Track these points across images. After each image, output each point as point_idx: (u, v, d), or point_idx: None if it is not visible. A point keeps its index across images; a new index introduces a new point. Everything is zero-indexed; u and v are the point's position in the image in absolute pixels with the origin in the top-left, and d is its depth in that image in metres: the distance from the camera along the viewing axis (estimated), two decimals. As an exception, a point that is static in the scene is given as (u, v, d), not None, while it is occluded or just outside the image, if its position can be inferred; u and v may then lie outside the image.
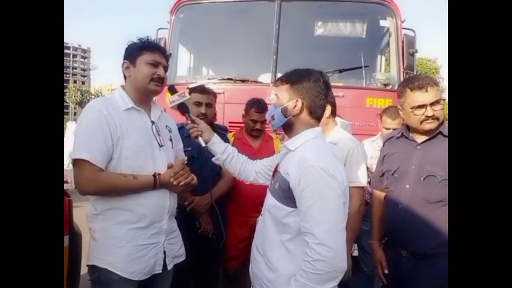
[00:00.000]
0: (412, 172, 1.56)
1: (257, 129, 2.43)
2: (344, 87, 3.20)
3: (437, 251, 1.45)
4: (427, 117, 1.50)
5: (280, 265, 1.24)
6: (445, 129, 1.51)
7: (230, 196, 2.41)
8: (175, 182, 1.51)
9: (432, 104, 1.49)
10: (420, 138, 1.59)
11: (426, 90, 1.49)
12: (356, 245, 2.50)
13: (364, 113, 3.00)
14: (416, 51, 3.26)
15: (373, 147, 2.66)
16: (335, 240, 1.12)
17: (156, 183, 1.47)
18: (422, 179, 1.52)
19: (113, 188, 1.41)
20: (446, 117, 1.61)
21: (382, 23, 3.45)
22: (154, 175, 1.48)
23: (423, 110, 1.50)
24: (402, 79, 3.08)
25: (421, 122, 1.52)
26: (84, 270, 1.60)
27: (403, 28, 3.33)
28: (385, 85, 3.28)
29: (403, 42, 3.25)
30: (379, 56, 4.02)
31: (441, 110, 1.53)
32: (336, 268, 1.11)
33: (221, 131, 2.35)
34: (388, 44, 3.48)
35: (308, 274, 1.11)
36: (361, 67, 3.29)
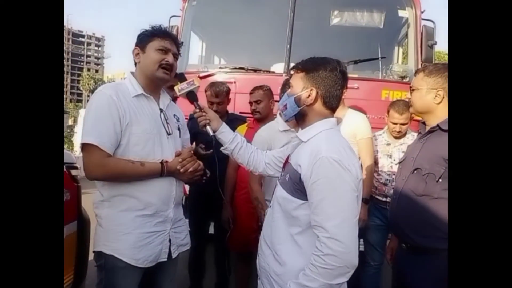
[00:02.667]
0: (410, 164, 1.57)
1: (254, 111, 2.46)
2: (360, 78, 3.13)
3: (430, 245, 1.42)
4: None
5: (288, 258, 1.21)
6: (443, 124, 1.47)
7: (241, 184, 2.38)
8: (182, 170, 1.49)
9: None
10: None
11: None
12: (362, 240, 2.48)
13: (380, 105, 2.91)
14: (435, 43, 3.14)
15: (379, 141, 2.62)
16: (346, 234, 1.08)
17: (163, 171, 1.46)
18: (412, 171, 1.53)
19: (121, 174, 1.40)
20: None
21: (401, 13, 3.34)
22: (161, 163, 1.46)
23: None
24: (419, 71, 2.99)
25: None
26: (92, 255, 1.60)
27: (423, 19, 3.21)
28: (402, 77, 3.18)
29: (422, 33, 3.14)
30: (396, 48, 3.91)
31: None
32: (347, 263, 1.08)
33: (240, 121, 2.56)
34: (406, 35, 3.37)
35: (318, 268, 1.07)
36: (377, 58, 3.21)
